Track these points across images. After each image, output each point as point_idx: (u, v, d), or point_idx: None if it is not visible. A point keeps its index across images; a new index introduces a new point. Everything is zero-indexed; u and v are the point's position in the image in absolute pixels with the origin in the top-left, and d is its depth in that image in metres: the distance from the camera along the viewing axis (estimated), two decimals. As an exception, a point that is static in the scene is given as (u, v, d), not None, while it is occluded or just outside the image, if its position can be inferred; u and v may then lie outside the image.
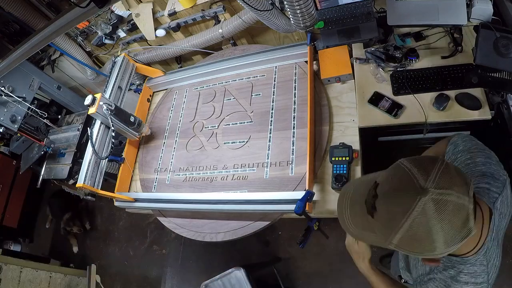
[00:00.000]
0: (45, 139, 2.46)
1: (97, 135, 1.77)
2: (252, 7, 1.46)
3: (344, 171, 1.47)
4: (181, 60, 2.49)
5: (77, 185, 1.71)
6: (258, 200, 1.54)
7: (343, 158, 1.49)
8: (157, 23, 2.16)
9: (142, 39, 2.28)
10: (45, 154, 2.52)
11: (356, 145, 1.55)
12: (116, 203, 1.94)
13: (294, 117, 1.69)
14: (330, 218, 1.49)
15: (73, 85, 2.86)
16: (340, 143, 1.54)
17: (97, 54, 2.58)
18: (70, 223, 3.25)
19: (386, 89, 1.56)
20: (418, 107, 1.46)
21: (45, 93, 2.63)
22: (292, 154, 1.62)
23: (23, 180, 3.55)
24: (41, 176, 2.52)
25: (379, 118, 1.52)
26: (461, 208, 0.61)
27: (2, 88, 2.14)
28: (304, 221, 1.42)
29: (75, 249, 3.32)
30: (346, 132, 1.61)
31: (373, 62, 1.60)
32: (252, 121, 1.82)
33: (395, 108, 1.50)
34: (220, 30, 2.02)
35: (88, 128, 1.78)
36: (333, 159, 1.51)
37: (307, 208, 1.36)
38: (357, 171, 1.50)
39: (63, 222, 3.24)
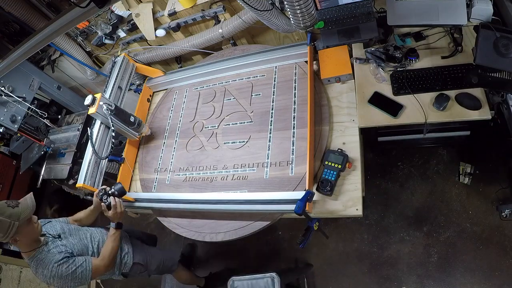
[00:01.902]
0: (45, 139, 2.46)
1: (97, 135, 1.78)
2: (252, 7, 1.46)
3: (333, 178, 1.48)
4: (181, 60, 2.49)
5: (77, 185, 1.72)
6: (258, 200, 1.54)
7: (335, 165, 1.49)
8: (157, 23, 2.16)
9: (142, 39, 2.28)
10: (45, 154, 2.52)
11: (356, 146, 1.55)
12: (116, 203, 1.94)
13: (294, 117, 1.69)
14: (330, 218, 1.49)
15: (73, 85, 2.86)
16: (338, 149, 1.54)
17: (97, 54, 2.58)
18: (56, 215, 3.24)
19: (386, 89, 1.56)
20: (418, 107, 1.46)
21: (45, 93, 2.63)
22: (292, 154, 1.62)
23: (23, 180, 3.54)
24: (41, 176, 2.52)
25: (379, 118, 1.52)
26: None
27: (2, 88, 2.14)
28: (304, 221, 1.42)
29: (75, 249, 3.31)
30: (346, 132, 1.61)
31: (373, 62, 1.60)
32: (252, 121, 1.82)
33: (395, 108, 1.50)
34: (220, 30, 2.02)
35: (88, 128, 1.78)
36: (326, 162, 1.51)
37: (307, 208, 1.36)
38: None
39: (50, 214, 3.24)
